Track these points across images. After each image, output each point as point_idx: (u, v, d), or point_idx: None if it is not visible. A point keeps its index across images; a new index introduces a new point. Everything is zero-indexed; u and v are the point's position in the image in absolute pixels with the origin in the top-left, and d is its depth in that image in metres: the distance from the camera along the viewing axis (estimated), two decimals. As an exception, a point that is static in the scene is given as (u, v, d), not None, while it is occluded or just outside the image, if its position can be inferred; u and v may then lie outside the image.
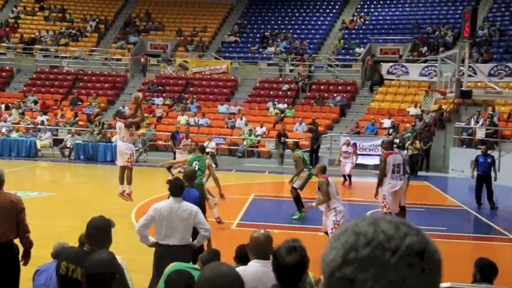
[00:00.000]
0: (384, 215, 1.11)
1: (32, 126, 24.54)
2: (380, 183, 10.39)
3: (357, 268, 1.01)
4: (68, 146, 23.19)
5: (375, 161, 18.63)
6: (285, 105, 26.45)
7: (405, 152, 21.57)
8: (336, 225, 8.76)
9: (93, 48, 32.49)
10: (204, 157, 11.42)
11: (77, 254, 4.06)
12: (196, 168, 11.06)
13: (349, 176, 17.98)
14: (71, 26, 34.07)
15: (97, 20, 34.67)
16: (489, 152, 16.16)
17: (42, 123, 24.69)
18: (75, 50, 31.80)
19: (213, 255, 4.77)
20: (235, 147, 23.93)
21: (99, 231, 4.21)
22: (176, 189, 6.24)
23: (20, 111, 26.19)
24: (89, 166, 21.38)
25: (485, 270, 5.03)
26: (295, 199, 12.69)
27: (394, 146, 12.20)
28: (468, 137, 22.12)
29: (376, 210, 12.31)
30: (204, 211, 7.27)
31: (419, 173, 21.35)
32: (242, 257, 4.73)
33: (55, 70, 30.74)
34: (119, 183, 12.38)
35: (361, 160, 21.85)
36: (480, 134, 21.58)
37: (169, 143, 21.03)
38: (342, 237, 1.06)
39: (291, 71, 29.10)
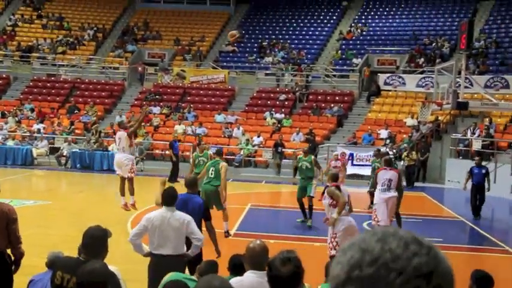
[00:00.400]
0: (395, 229, 1.05)
1: (29, 134, 24.50)
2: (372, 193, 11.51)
3: (360, 286, 0.98)
4: (64, 154, 23.15)
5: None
6: (282, 115, 26.49)
7: (401, 162, 21.66)
8: (332, 238, 8.49)
9: (91, 57, 32.52)
10: (219, 161, 11.54)
11: (72, 264, 4.04)
12: (213, 175, 11.20)
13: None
14: (68, 34, 34.11)
15: (95, 28, 34.74)
16: (485, 163, 16.21)
17: (39, 131, 24.66)
18: (72, 58, 31.83)
19: (210, 267, 4.75)
20: (232, 157, 23.92)
21: (95, 241, 4.19)
22: (169, 198, 6.22)
23: (17, 119, 26.16)
24: (85, 175, 21.33)
25: (481, 282, 5.03)
26: (309, 207, 12.88)
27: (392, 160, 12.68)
28: (464, 148, 22.17)
29: (369, 221, 12.31)
30: (209, 218, 7.20)
31: (416, 184, 21.39)
32: (235, 267, 4.72)
33: (52, 78, 30.75)
34: (120, 195, 12.45)
35: (357, 170, 21.90)
36: (476, 145, 21.63)
37: (169, 152, 21.04)
38: (348, 252, 1.03)
39: (291, 80, 29.13)
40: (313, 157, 13.63)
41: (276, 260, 3.19)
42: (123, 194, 12.47)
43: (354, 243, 1.04)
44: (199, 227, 6.78)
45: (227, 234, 11.31)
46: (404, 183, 12.78)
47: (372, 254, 1.00)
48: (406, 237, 1.02)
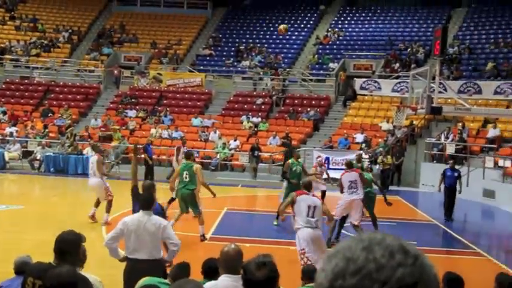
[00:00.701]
0: (382, 236, 1.03)
1: (0, 137, 24.11)
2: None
3: None
4: (37, 158, 22.83)
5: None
6: (259, 119, 26.53)
7: (377, 166, 21.86)
8: (302, 255, 8.15)
9: (66, 59, 32.16)
10: (191, 163, 11.41)
11: (44, 269, 3.99)
12: (187, 179, 11.14)
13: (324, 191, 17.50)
14: (42, 36, 33.68)
15: (70, 30, 34.38)
16: (458, 167, 16.49)
17: (11, 134, 24.27)
18: (47, 60, 31.44)
19: (182, 270, 4.73)
20: (209, 161, 23.87)
21: (68, 246, 4.14)
22: (145, 202, 6.19)
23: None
24: (59, 179, 21.05)
25: (452, 284, 5.11)
26: None
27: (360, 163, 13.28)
28: (438, 152, 22.47)
29: (346, 224, 12.40)
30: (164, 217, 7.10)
31: (391, 188, 21.60)
32: (210, 271, 4.71)
33: (26, 81, 30.33)
34: (94, 206, 12.56)
35: (333, 174, 21.98)
36: (450, 149, 21.95)
37: (144, 156, 20.91)
38: (333, 260, 1.01)
39: (271, 86, 29.14)
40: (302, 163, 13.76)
41: (251, 264, 3.19)
42: (96, 206, 12.70)
43: (339, 250, 1.02)
44: None
45: (203, 238, 11.25)
46: (376, 186, 12.90)
47: (356, 263, 0.98)
48: (392, 246, 1.00)
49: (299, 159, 14.03)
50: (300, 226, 8.25)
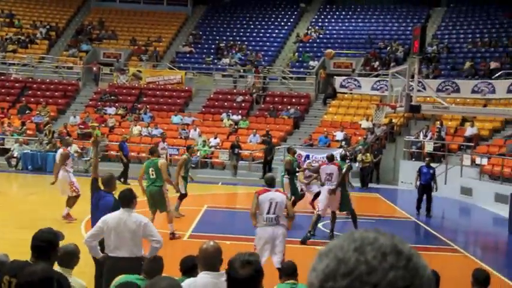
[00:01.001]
0: (376, 236, 1.01)
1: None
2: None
3: None
4: (15, 155, 22.52)
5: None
6: (239, 117, 26.51)
7: (356, 164, 22.00)
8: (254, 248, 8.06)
9: (43, 56, 31.77)
10: (156, 159, 11.25)
11: (19, 267, 3.94)
12: (154, 176, 11.00)
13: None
14: (19, 32, 33.21)
15: (48, 26, 33.95)
16: (436, 165, 16.70)
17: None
18: (24, 57, 31.01)
19: (154, 264, 4.71)
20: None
21: (46, 244, 4.10)
22: (125, 200, 6.14)
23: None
24: (37, 176, 20.80)
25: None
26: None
27: (336, 158, 13.47)
28: (417, 150, 22.69)
29: (326, 222, 12.46)
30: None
31: (370, 185, 21.78)
32: (187, 268, 4.70)
33: (2, 77, 29.88)
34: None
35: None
36: (428, 147, 22.18)
37: (119, 154, 20.83)
38: (324, 260, 0.99)
39: (252, 84, 29.11)
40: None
41: (236, 261, 3.17)
42: (68, 205, 12.61)
43: (331, 249, 1.01)
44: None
45: (172, 236, 11.09)
46: (352, 183, 13.20)
47: (347, 264, 0.96)
48: (385, 246, 0.98)
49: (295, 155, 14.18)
50: (260, 224, 8.09)
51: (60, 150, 13.31)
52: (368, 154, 22.14)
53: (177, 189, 11.67)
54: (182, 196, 13.27)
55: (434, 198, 16.16)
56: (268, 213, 7.97)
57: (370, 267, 0.95)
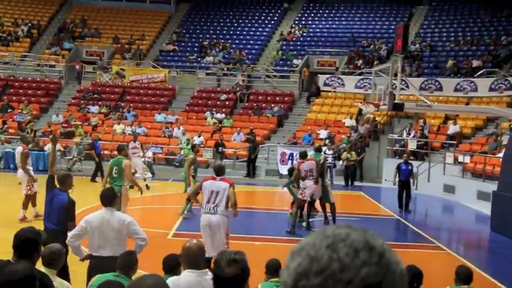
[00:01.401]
0: (348, 231, 1.01)
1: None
2: (297, 184, 12.65)
3: None
4: (-4, 154, 22.24)
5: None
6: (223, 115, 26.47)
7: (340, 162, 22.09)
8: (226, 239, 8.23)
9: (25, 54, 31.42)
10: (122, 158, 11.04)
11: (1, 266, 3.89)
12: (116, 175, 10.78)
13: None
14: (0, 29, 32.81)
15: (29, 24, 33.58)
16: (420, 162, 16.83)
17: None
18: (5, 55, 30.65)
19: (127, 259, 4.68)
20: (173, 157, 23.69)
21: (27, 243, 4.06)
22: (106, 199, 6.10)
23: None
24: (19, 175, 20.52)
25: (412, 277, 5.20)
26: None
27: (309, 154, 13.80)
28: (400, 148, 22.83)
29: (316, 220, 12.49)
30: (72, 219, 6.84)
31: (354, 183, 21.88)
32: (170, 267, 4.68)
33: (-16, 75, 29.51)
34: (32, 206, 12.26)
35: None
36: (412, 145, 22.33)
37: (91, 152, 20.76)
38: (296, 258, 0.99)
39: (236, 82, 29.07)
40: (322, 157, 13.52)
41: (222, 259, 3.15)
42: (32, 204, 12.30)
43: (303, 247, 1.00)
44: (63, 225, 6.70)
45: None
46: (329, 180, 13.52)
47: (320, 263, 0.96)
48: (358, 243, 0.98)
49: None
50: (201, 212, 8.17)
51: (19, 149, 13.00)
52: (353, 152, 22.23)
53: (140, 189, 11.46)
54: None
55: (417, 196, 16.33)
56: (208, 202, 8.02)
57: (343, 264, 0.95)
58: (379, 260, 0.97)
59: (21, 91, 28.48)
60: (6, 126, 24.81)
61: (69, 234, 6.13)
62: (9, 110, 26.34)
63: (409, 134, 23.10)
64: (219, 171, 8.28)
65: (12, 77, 29.50)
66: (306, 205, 12.71)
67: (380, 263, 0.97)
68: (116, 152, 16.89)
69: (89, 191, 17.10)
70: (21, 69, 30.16)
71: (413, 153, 21.89)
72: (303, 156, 12.81)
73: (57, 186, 7.19)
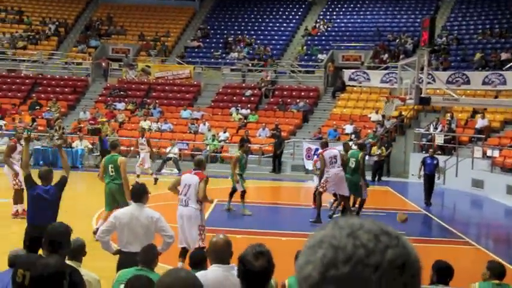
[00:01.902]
0: (361, 222, 1.03)
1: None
2: (322, 175, 12.49)
3: (338, 286, 0.96)
4: (26, 151, 22.65)
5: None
6: (248, 111, 26.50)
7: (367, 157, 21.88)
8: (201, 231, 8.33)
9: (53, 52, 31.89)
10: (117, 155, 10.78)
11: (33, 261, 3.98)
12: (113, 173, 10.49)
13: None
14: (29, 28, 33.35)
15: (57, 23, 34.06)
16: (447, 157, 16.66)
17: (0, 127, 24.07)
18: (33, 53, 31.16)
19: (149, 253, 4.74)
20: (199, 153, 23.78)
21: (58, 237, 4.15)
22: (137, 194, 6.16)
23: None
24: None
25: (442, 272, 5.15)
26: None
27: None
28: (427, 142, 22.57)
29: (337, 215, 12.45)
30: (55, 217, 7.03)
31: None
32: (196, 262, 4.72)
33: (13, 74, 30.05)
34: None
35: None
36: (439, 140, 22.06)
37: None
38: (319, 251, 0.99)
39: (266, 77, 29.04)
40: (360, 154, 13.16)
41: (248, 254, 3.16)
42: (20, 202, 12.07)
43: (322, 239, 1.01)
44: (45, 217, 6.83)
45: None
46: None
47: (345, 251, 0.97)
48: (375, 229, 1.00)
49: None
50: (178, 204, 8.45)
51: (9, 142, 12.93)
52: (383, 148, 22.04)
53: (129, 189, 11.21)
54: (243, 193, 13.45)
55: (445, 191, 16.17)
56: (181, 194, 8.26)
57: (368, 249, 0.97)
58: (398, 243, 1.00)
59: (49, 89, 28.94)
60: (35, 123, 25.24)
61: (99, 229, 6.22)
62: (37, 108, 26.79)
63: (436, 128, 22.83)
64: (198, 164, 8.62)
65: (40, 75, 29.98)
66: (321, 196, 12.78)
67: (400, 245, 1.00)
68: (125, 147, 17.03)
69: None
70: (49, 67, 30.63)
71: (440, 148, 21.63)
72: (324, 145, 13.11)
73: (40, 182, 7.27)
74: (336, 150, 12.74)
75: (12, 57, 31.06)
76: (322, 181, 12.46)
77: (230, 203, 13.86)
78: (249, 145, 14.41)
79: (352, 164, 12.90)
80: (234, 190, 13.67)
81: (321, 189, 12.46)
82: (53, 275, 3.24)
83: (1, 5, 35.35)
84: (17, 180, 12.07)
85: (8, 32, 32.68)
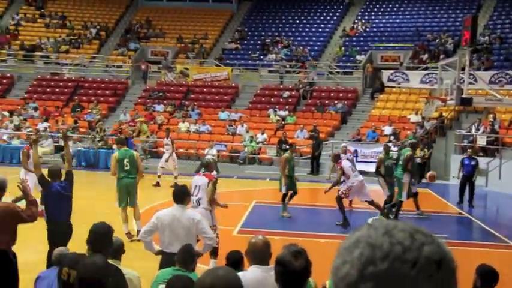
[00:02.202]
0: (394, 222, 1.05)
1: (33, 133, 24.53)
2: (336, 184, 12.75)
3: (376, 283, 0.97)
4: (68, 152, 23.18)
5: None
6: (286, 112, 26.48)
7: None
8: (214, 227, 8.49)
9: (94, 55, 32.57)
10: (130, 150, 10.85)
11: (77, 260, 4.07)
12: (128, 167, 10.51)
13: None
14: (71, 33, 34.16)
15: (98, 27, 34.78)
16: (490, 159, 16.29)
17: (44, 130, 24.70)
18: (75, 57, 31.88)
19: (186, 253, 4.77)
20: (237, 154, 23.93)
21: (100, 237, 4.25)
22: (179, 195, 6.22)
23: (21, 118, 26.22)
24: (90, 173, 21.36)
25: (486, 276, 5.03)
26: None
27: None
28: (469, 144, 22.11)
29: (375, 218, 12.31)
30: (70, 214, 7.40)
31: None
32: (233, 263, 4.74)
33: (56, 77, 30.81)
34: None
35: (362, 167, 21.83)
36: (481, 141, 21.58)
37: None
38: (355, 250, 1.01)
39: (304, 78, 29.04)
40: (407, 153, 13.46)
41: (286, 255, 3.17)
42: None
43: (358, 239, 1.02)
44: (65, 212, 7.14)
45: (129, 235, 10.22)
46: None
47: (382, 248, 0.99)
48: (409, 229, 1.02)
49: (389, 153, 14.02)
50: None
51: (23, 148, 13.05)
52: (426, 149, 21.68)
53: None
54: (292, 195, 13.43)
55: (487, 193, 15.81)
56: (192, 195, 8.27)
57: (404, 246, 0.99)
58: (433, 240, 1.01)
59: (90, 91, 29.55)
60: (77, 125, 25.82)
61: (142, 229, 6.32)
62: (77, 110, 27.38)
63: (478, 129, 22.33)
64: (204, 167, 9.08)
65: (82, 78, 30.65)
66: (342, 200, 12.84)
67: (435, 243, 1.01)
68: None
69: (156, 188, 17.56)
70: (90, 70, 31.30)
71: (482, 150, 21.16)
72: (337, 157, 13.12)
73: (50, 180, 7.47)
74: (346, 161, 12.91)
75: (55, 60, 31.86)
76: (344, 189, 12.57)
77: (286, 207, 13.56)
78: (297, 146, 14.33)
79: (400, 161, 13.45)
80: (293, 193, 13.46)
81: (342, 196, 12.59)
82: (98, 273, 3.32)
83: (46, 10, 36.33)
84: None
85: (52, 37, 33.54)
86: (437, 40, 29.71)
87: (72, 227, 7.43)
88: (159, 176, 17.98)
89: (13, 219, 5.84)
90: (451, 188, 20.97)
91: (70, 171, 7.50)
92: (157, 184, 17.67)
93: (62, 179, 7.53)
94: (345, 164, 12.61)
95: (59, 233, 7.09)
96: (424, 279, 0.97)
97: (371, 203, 12.75)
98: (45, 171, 7.66)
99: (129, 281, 4.44)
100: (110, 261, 4.52)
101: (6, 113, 26.64)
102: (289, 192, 13.52)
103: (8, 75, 30.93)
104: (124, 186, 10.54)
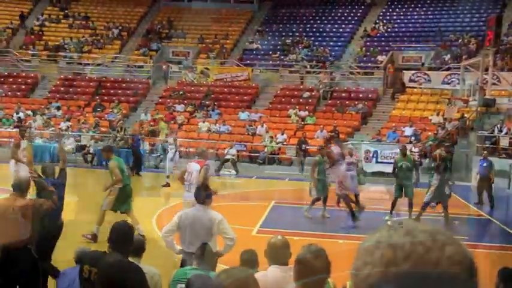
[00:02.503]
0: (414, 224, 1.05)
1: (55, 132, 24.85)
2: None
3: (399, 284, 0.97)
4: (90, 151, 23.46)
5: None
6: (306, 113, 26.43)
7: (426, 160, 21.40)
8: None
9: (116, 55, 32.87)
10: (120, 158, 11.07)
11: (98, 258, 4.13)
12: (127, 174, 10.73)
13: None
14: (94, 33, 34.53)
15: (120, 27, 35.10)
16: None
17: (67, 129, 25.00)
18: (98, 57, 32.21)
19: (203, 251, 4.81)
20: (256, 154, 23.96)
21: (122, 236, 4.30)
22: (200, 196, 6.26)
23: (45, 117, 26.58)
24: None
25: (509, 280, 4.98)
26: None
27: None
28: (491, 145, 21.83)
29: (400, 219, 12.24)
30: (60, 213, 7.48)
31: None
32: (247, 262, 4.75)
33: (78, 77, 31.17)
34: None
35: (382, 168, 21.72)
36: (503, 142, 21.30)
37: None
38: (376, 251, 1.01)
39: (319, 80, 28.99)
40: (413, 158, 13.63)
41: (306, 255, 3.18)
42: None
43: (379, 241, 1.02)
44: (60, 208, 7.20)
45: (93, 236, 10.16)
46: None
47: (404, 249, 0.98)
48: (429, 229, 1.02)
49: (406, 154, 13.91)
50: None
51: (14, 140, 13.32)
52: (441, 150, 21.44)
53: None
54: (325, 199, 13.38)
55: (510, 196, 15.61)
56: (186, 181, 9.23)
57: (426, 246, 0.98)
58: (454, 241, 1.01)
59: (112, 91, 29.83)
60: (98, 124, 26.07)
61: (163, 229, 6.38)
62: (98, 109, 27.65)
63: (500, 130, 22.04)
64: (198, 155, 9.88)
65: (104, 78, 30.95)
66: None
67: (456, 243, 1.00)
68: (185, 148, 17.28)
69: (175, 187, 17.66)
70: (112, 70, 31.59)
71: (505, 151, 20.87)
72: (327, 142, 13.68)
73: (44, 177, 7.58)
74: (336, 147, 13.60)
75: (78, 60, 32.23)
76: (338, 187, 13.06)
77: (325, 209, 13.49)
78: (327, 150, 14.17)
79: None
80: (325, 197, 13.40)
81: (339, 192, 12.94)
82: (119, 271, 3.37)
83: (69, 11, 36.78)
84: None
85: (75, 37, 33.95)
86: (460, 40, 29.39)
87: (62, 224, 7.57)
88: (168, 177, 18.05)
89: (35, 216, 5.94)
90: (472, 189, 20.74)
91: (64, 170, 7.70)
92: (167, 185, 17.68)
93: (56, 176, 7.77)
94: (334, 149, 13.15)
95: (48, 228, 7.11)
96: (446, 279, 0.96)
97: (355, 197, 13.05)
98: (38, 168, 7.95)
99: (149, 278, 4.50)
100: (130, 259, 4.59)
101: (29, 113, 27.05)
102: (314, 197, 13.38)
103: (32, 75, 31.36)
104: (129, 193, 10.52)
